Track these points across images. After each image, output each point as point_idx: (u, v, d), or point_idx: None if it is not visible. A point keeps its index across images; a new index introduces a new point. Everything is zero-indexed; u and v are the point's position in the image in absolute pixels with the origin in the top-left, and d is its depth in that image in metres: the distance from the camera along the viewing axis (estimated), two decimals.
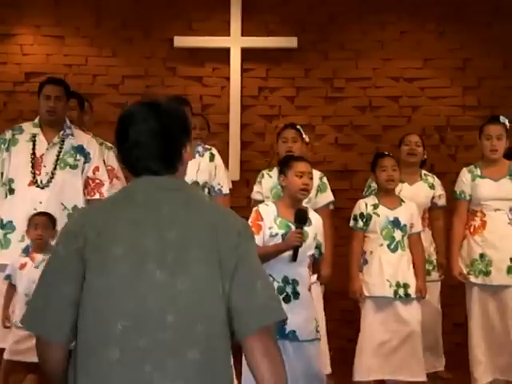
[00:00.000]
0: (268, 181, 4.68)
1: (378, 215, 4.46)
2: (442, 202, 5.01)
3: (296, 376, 3.56)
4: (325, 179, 4.74)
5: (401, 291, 4.39)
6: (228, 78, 5.94)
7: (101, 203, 2.15)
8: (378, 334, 4.36)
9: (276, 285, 3.59)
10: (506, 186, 4.55)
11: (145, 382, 1.78)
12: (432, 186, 5.00)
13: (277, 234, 3.63)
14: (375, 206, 4.49)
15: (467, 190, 4.60)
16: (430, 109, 5.93)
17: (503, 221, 4.52)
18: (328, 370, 4.57)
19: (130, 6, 6.03)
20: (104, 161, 4.70)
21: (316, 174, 4.73)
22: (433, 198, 4.99)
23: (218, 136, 5.90)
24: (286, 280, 3.61)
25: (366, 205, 4.51)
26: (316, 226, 3.72)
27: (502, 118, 4.64)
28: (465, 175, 4.64)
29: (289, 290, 3.61)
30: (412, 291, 4.41)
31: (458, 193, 4.65)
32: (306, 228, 3.64)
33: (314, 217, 3.76)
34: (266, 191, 4.66)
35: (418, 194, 4.88)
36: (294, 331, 3.60)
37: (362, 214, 4.50)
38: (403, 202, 4.53)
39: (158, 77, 6.03)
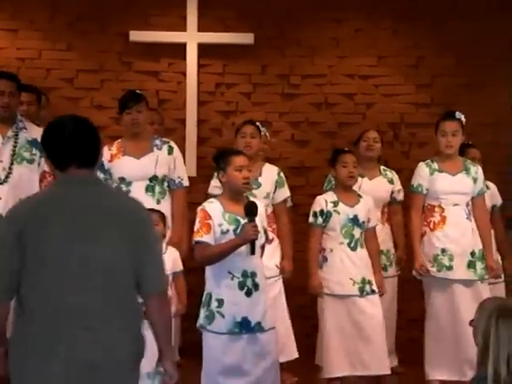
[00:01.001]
0: None
1: (339, 213, 4.49)
2: (400, 196, 5.09)
3: (262, 366, 3.65)
4: (282, 174, 4.78)
5: (367, 288, 4.44)
6: (184, 74, 5.92)
7: (38, 194, 2.76)
8: (343, 330, 4.41)
9: (236, 281, 3.62)
10: (463, 180, 4.63)
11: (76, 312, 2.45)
12: (391, 181, 5.07)
13: (228, 231, 3.64)
14: (335, 204, 4.51)
15: (424, 184, 4.65)
16: (384, 106, 6.01)
17: (461, 215, 4.60)
18: (295, 355, 4.65)
19: None
20: None
21: (274, 169, 4.77)
22: (392, 192, 5.06)
23: (175, 132, 5.88)
24: (245, 274, 3.64)
25: (326, 201, 4.52)
26: (261, 215, 3.73)
27: (457, 114, 4.71)
28: (422, 169, 4.68)
29: (249, 283, 3.64)
30: (375, 287, 4.48)
31: (414, 186, 4.68)
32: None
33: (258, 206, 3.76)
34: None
35: (378, 188, 4.96)
36: (259, 322, 3.65)
37: (321, 211, 4.51)
38: (360, 197, 4.58)
39: (114, 71, 5.97)
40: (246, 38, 5.88)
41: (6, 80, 4.31)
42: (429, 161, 4.74)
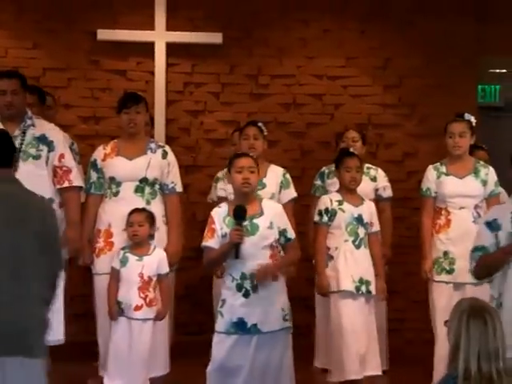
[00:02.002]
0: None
1: (344, 211, 4.50)
2: (387, 193, 5.08)
3: (260, 368, 3.66)
4: (288, 175, 4.77)
5: (363, 288, 4.44)
6: (153, 73, 5.90)
7: None
8: (354, 328, 4.35)
9: (235, 282, 3.68)
10: (470, 183, 4.61)
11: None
12: (374, 179, 5.06)
13: (226, 234, 3.68)
14: (340, 202, 4.53)
15: (432, 187, 4.65)
16: (352, 107, 6.05)
17: (467, 219, 4.57)
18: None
19: None
20: (71, 148, 4.65)
21: (279, 170, 4.78)
22: (377, 190, 5.07)
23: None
24: (243, 276, 3.67)
25: (331, 200, 4.54)
26: (269, 215, 3.74)
27: (466, 116, 4.73)
28: (430, 172, 4.69)
29: (247, 285, 3.67)
30: (373, 288, 4.48)
31: (424, 190, 4.70)
32: (256, 220, 3.68)
33: (267, 207, 3.79)
34: (229, 187, 4.68)
35: (359, 187, 4.95)
36: (255, 324, 3.67)
37: (326, 210, 4.53)
38: (364, 200, 4.61)
39: (81, 69, 5.94)
40: (215, 38, 5.87)
41: (6, 79, 4.27)
42: (438, 164, 4.71)
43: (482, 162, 4.76)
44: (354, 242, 4.48)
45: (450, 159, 4.68)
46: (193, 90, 6.03)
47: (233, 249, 3.63)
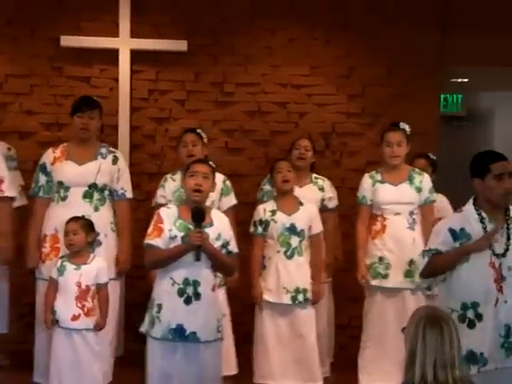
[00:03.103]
0: (171, 184, 4.70)
1: (276, 221, 4.57)
2: (332, 204, 5.14)
3: (194, 378, 3.60)
4: (228, 182, 4.80)
5: (300, 297, 4.50)
6: (117, 80, 5.86)
7: None
8: (273, 339, 4.45)
9: (176, 287, 3.60)
10: (405, 191, 4.70)
11: None
12: (322, 189, 5.12)
13: (176, 237, 3.62)
14: (273, 212, 4.60)
15: (368, 195, 4.74)
16: (316, 115, 6.08)
17: (402, 225, 4.67)
18: (234, 370, 4.64)
19: (15, 3, 5.85)
20: (7, 155, 4.58)
21: (220, 177, 4.78)
22: (323, 200, 5.11)
23: (107, 138, 5.79)
24: (186, 282, 3.61)
25: (265, 210, 4.61)
26: (218, 227, 3.70)
27: (401, 125, 4.81)
28: (366, 180, 4.79)
29: (189, 291, 3.61)
30: (310, 295, 4.53)
31: (360, 198, 4.79)
32: (207, 229, 3.64)
33: (216, 217, 3.76)
34: (168, 194, 4.68)
35: (307, 196, 4.99)
36: (194, 332, 3.61)
37: (260, 220, 4.61)
38: (301, 204, 4.64)
39: (44, 76, 5.88)
40: (180, 46, 5.86)
41: None
42: (373, 172, 4.83)
43: (417, 170, 4.86)
44: (285, 252, 4.55)
45: (386, 167, 4.78)
46: (157, 97, 6.01)
47: (191, 251, 3.57)
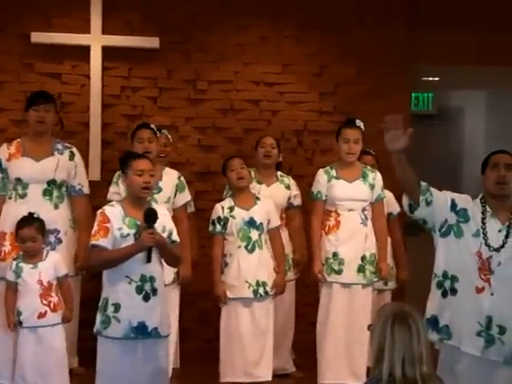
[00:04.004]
0: None
1: (234, 217, 4.58)
2: (297, 201, 5.16)
3: (149, 374, 3.59)
4: (182, 179, 4.78)
5: (261, 290, 4.52)
6: (88, 76, 5.83)
7: None
8: (241, 334, 4.47)
9: (134, 285, 3.57)
10: (359, 188, 4.75)
11: None
12: (288, 187, 5.14)
13: (128, 235, 3.59)
14: (231, 209, 4.61)
15: (323, 191, 4.77)
16: (288, 113, 6.10)
17: (356, 221, 4.73)
18: (177, 364, 4.71)
19: None
20: None
21: (174, 173, 4.77)
22: (289, 198, 5.13)
23: (78, 135, 5.79)
24: (143, 278, 3.59)
25: (223, 208, 4.62)
26: (162, 219, 3.67)
27: (357, 122, 4.84)
28: (321, 176, 4.80)
29: (147, 287, 3.59)
30: (269, 288, 4.56)
31: (314, 193, 4.81)
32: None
33: (158, 211, 3.70)
34: (122, 191, 4.64)
35: (276, 194, 5.02)
36: (155, 328, 3.61)
37: (219, 218, 4.61)
38: (258, 199, 4.65)
39: (14, 72, 5.82)
40: (152, 43, 5.85)
41: None
42: (328, 167, 4.85)
43: (369, 167, 4.91)
44: (246, 246, 4.57)
45: (340, 164, 4.81)
46: (129, 94, 5.98)
47: (142, 252, 3.55)
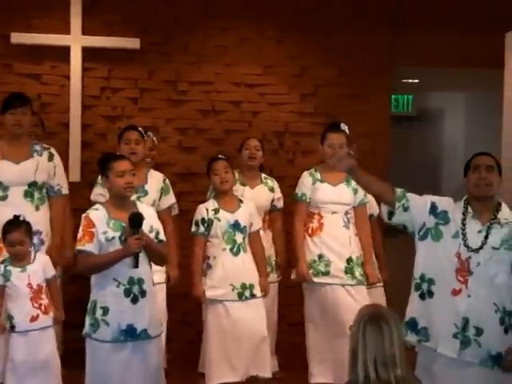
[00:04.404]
0: None
1: (220, 220, 4.56)
2: (280, 204, 5.19)
3: (141, 374, 3.60)
4: (167, 181, 4.77)
5: (247, 293, 4.52)
6: (68, 77, 5.80)
7: None
8: (224, 336, 4.47)
9: (122, 288, 3.57)
10: (343, 191, 4.78)
11: None
12: (272, 189, 5.16)
13: (113, 238, 3.58)
14: (216, 211, 4.58)
15: (308, 193, 4.78)
16: (269, 115, 6.11)
17: (339, 223, 4.74)
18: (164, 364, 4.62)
19: None
20: None
21: (159, 176, 4.75)
22: (272, 200, 5.14)
23: (58, 136, 5.75)
24: (131, 281, 3.59)
25: (207, 210, 4.59)
26: (148, 220, 3.67)
27: (342, 126, 4.85)
28: (306, 178, 4.82)
29: (135, 290, 3.60)
30: (257, 291, 4.55)
31: (299, 195, 4.81)
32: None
33: (143, 210, 3.71)
34: (107, 192, 4.61)
35: (259, 197, 5.03)
36: (145, 330, 3.61)
37: (203, 220, 4.58)
38: (241, 202, 4.65)
39: None
40: (132, 43, 5.83)
41: None
42: (312, 170, 4.87)
43: None
44: (231, 249, 4.56)
45: (324, 166, 4.82)
46: (110, 95, 5.96)
47: (129, 257, 3.54)
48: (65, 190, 4.57)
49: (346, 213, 4.76)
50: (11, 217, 4.20)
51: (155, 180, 4.70)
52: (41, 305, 4.13)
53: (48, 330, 4.14)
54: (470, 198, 3.50)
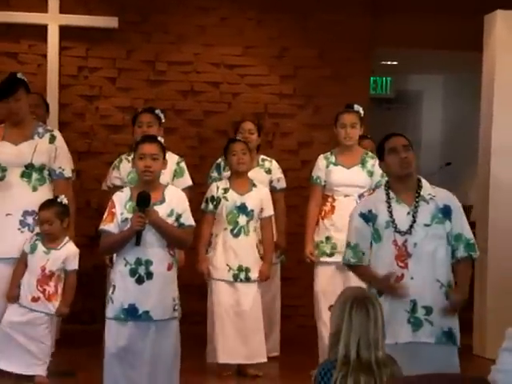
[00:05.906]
0: (126, 165, 4.61)
1: (227, 199, 4.62)
2: (280, 184, 5.15)
3: (150, 356, 3.60)
4: (183, 164, 4.73)
5: (242, 275, 4.57)
6: (45, 56, 5.73)
7: None
8: (227, 314, 4.52)
9: (128, 267, 3.60)
10: (356, 174, 4.74)
11: None
12: (268, 171, 5.13)
13: (127, 219, 3.60)
14: (226, 190, 4.65)
15: (322, 176, 4.77)
16: (249, 96, 6.09)
17: (351, 206, 4.65)
18: None
19: None
20: None
21: (174, 158, 4.73)
22: (271, 181, 5.13)
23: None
24: (138, 262, 3.61)
25: (218, 188, 4.67)
26: (171, 202, 3.67)
27: (356, 107, 4.85)
28: (321, 161, 4.80)
29: (141, 271, 3.60)
30: (253, 275, 4.58)
31: (314, 178, 4.81)
32: (157, 206, 3.61)
33: (170, 194, 3.71)
34: (124, 176, 4.62)
35: (254, 180, 4.98)
36: (147, 311, 3.62)
37: (212, 197, 4.66)
38: (255, 186, 4.68)
39: None
40: (110, 22, 5.76)
41: None
42: (328, 153, 4.84)
43: (370, 153, 4.90)
44: (232, 230, 4.61)
45: (340, 149, 4.81)
46: (87, 74, 5.90)
47: (134, 235, 3.57)
48: (67, 173, 4.52)
49: (360, 195, 4.73)
50: (8, 196, 4.22)
51: (169, 162, 4.64)
52: (45, 290, 4.16)
53: (45, 317, 4.17)
54: (390, 181, 3.49)
